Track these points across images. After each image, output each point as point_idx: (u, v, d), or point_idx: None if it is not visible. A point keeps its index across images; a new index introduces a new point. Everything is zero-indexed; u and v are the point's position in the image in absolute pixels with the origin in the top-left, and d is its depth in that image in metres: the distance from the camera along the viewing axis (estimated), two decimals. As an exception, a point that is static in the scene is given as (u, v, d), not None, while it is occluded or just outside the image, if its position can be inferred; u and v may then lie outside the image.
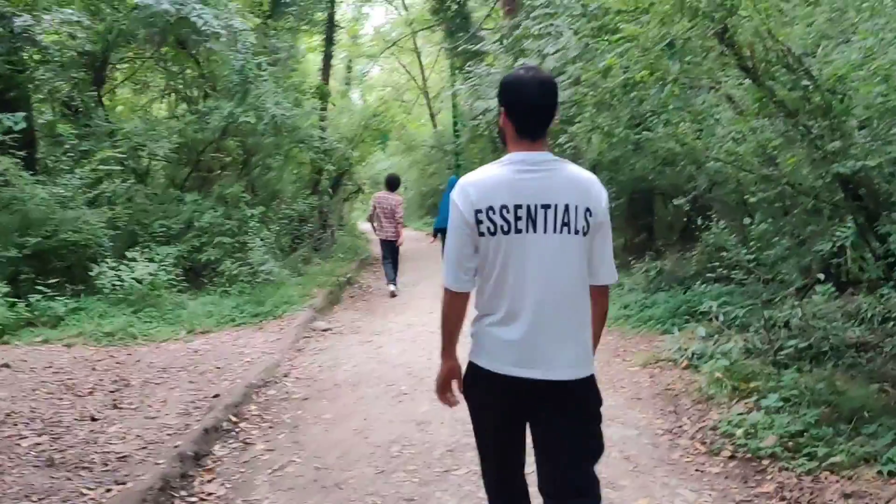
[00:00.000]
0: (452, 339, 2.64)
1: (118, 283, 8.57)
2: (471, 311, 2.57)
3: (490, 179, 2.42)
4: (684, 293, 7.97)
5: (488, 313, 2.45)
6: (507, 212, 2.36)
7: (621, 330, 7.71)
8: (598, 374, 2.56)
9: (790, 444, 4.08)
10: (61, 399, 5.48)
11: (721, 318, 6.18)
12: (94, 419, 5.11)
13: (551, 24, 7.59)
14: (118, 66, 12.45)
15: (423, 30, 25.42)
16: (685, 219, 10.66)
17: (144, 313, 8.50)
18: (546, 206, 2.36)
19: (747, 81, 5.30)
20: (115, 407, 5.42)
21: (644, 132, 9.05)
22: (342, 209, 23.06)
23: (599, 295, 2.55)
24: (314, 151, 12.29)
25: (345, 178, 17.18)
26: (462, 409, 2.70)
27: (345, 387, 6.17)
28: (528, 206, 2.36)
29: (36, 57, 10.44)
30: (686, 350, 5.99)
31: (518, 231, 2.37)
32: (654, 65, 6.72)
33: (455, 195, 2.45)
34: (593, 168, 8.88)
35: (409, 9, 29.65)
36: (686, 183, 9.76)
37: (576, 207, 2.38)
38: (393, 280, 11.58)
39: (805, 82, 4.86)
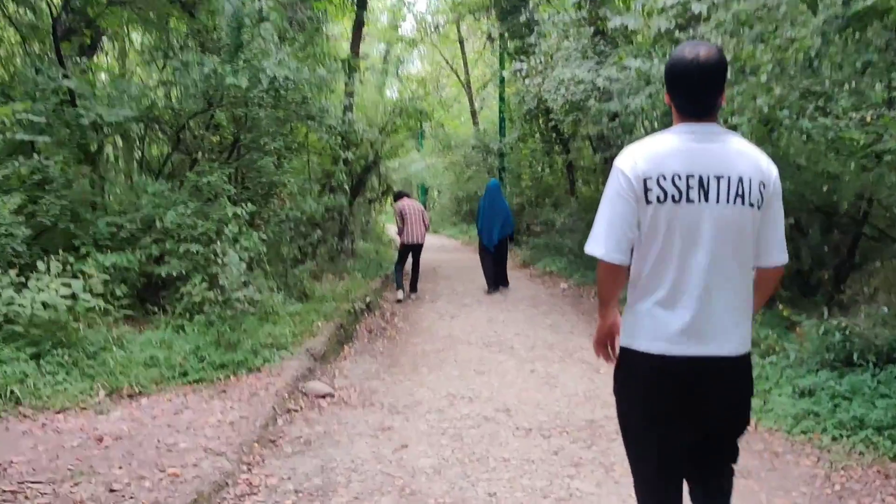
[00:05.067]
0: (609, 305, 2.57)
1: (16, 308, 5.64)
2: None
3: (660, 147, 2.36)
4: (907, 378, 4.85)
5: (650, 290, 2.37)
6: (679, 180, 2.29)
7: (813, 441, 4.57)
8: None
9: None
10: None
11: None
12: None
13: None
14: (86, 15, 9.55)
15: (470, 13, 22.37)
16: (846, 253, 7.52)
17: (52, 358, 5.56)
18: (719, 177, 2.29)
19: None
20: None
21: (822, 119, 6.01)
22: (370, 213, 20.10)
23: (773, 277, 2.51)
24: (329, 132, 9.23)
25: (371, 175, 14.16)
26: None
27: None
28: (701, 176, 2.29)
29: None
30: None
31: (690, 200, 2.29)
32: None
33: (619, 162, 2.39)
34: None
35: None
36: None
37: (749, 180, 2.30)
38: (414, 287, 11.41)
39: None
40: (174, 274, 7.05)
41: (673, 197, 2.29)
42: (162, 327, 6.58)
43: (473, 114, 29.20)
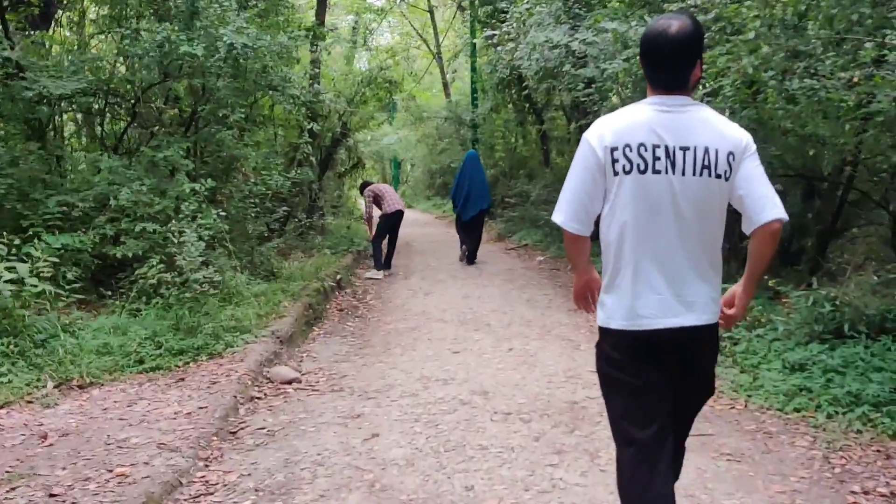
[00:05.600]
0: (580, 266, 2.59)
1: (-46, 296, 5.25)
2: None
3: (627, 118, 2.34)
4: (902, 350, 4.63)
5: (621, 264, 2.36)
6: (645, 150, 2.27)
7: (807, 419, 4.32)
8: None
9: None
10: None
11: None
12: None
13: None
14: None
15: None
16: (830, 220, 7.29)
17: (-5, 347, 5.19)
18: (685, 148, 2.26)
19: None
20: None
21: (809, 80, 5.75)
22: (342, 187, 19.66)
23: (771, 237, 2.30)
24: (292, 103, 8.77)
25: (340, 148, 13.70)
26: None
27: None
28: (667, 147, 2.26)
29: None
30: None
31: (656, 171, 2.27)
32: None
33: (588, 133, 2.37)
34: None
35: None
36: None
37: (716, 151, 2.27)
38: (388, 263, 11.08)
39: None
40: (129, 255, 6.66)
41: (638, 167, 2.27)
42: (117, 312, 6.21)
43: (445, 85, 28.67)
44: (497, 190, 18.13)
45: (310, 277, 8.67)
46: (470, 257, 11.56)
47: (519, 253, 12.85)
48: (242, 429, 4.48)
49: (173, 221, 6.37)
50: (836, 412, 4.28)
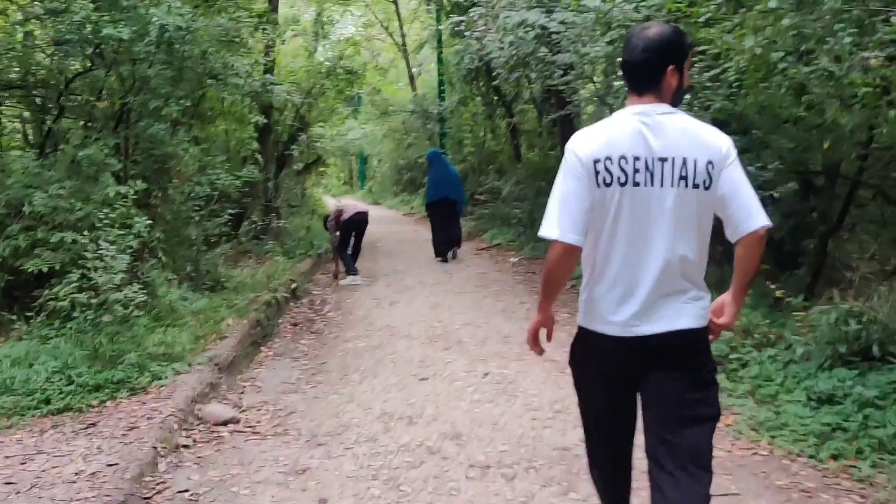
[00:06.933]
0: (552, 298, 2.49)
1: None
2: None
3: (608, 130, 2.32)
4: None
5: (600, 275, 2.35)
6: (626, 163, 2.25)
7: (849, 470, 3.54)
8: None
9: None
10: None
11: None
12: None
13: None
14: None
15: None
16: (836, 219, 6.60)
17: None
18: (663, 160, 2.25)
19: None
20: None
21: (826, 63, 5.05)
22: (303, 185, 18.71)
23: (754, 244, 2.28)
24: (234, 93, 7.84)
25: (298, 144, 12.80)
26: None
27: None
28: (646, 159, 2.25)
29: None
30: None
31: (636, 184, 2.26)
32: None
33: (571, 144, 2.34)
34: (721, 125, 4.20)
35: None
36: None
37: (694, 161, 2.25)
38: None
39: None
40: (45, 269, 5.75)
41: (619, 180, 2.26)
42: (27, 339, 5.31)
43: (411, 78, 27.80)
44: (466, 186, 17.32)
45: (260, 288, 7.81)
46: (447, 248, 11.26)
47: (491, 254, 12.07)
48: (160, 492, 3.63)
49: (85, 232, 5.49)
50: (883, 460, 3.55)
